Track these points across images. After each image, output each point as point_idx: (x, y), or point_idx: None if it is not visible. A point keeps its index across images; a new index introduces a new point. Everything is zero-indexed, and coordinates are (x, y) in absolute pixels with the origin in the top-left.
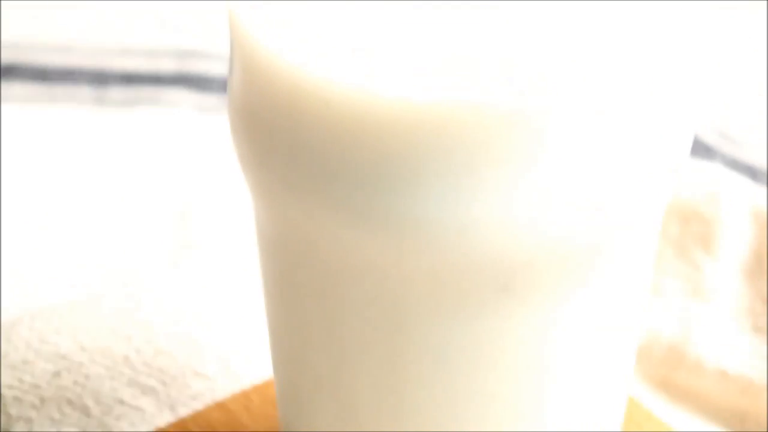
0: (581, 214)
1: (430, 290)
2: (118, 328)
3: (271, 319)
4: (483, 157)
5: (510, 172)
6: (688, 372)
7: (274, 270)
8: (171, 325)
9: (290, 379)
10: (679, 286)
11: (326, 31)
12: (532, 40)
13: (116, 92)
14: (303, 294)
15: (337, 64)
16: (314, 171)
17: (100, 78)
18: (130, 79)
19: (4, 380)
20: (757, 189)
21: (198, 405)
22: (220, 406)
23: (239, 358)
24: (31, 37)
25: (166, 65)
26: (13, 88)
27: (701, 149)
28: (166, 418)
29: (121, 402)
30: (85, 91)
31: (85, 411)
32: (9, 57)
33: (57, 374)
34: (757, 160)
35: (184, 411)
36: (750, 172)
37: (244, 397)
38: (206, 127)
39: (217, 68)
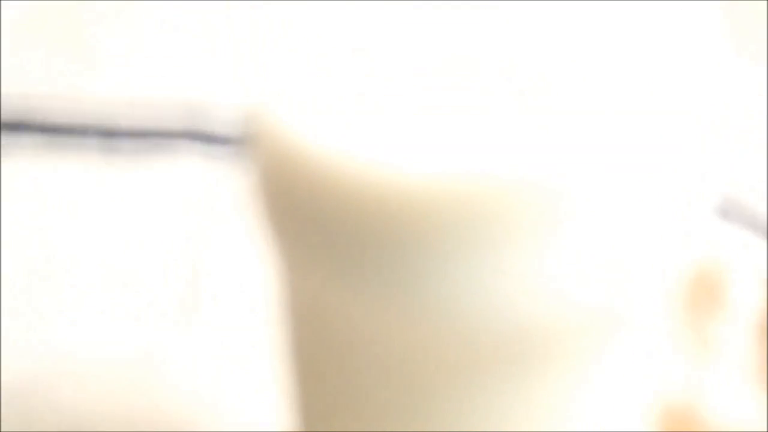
0: (603, 285)
1: (450, 361)
2: (131, 392)
3: (294, 384)
4: (503, 232)
5: (529, 246)
6: None
7: (295, 335)
8: (186, 390)
9: None
10: (687, 347)
11: (342, 104)
12: (548, 108)
13: (125, 145)
14: (323, 361)
15: (352, 138)
16: (332, 245)
17: (108, 131)
18: (139, 132)
19: None
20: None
21: None
22: None
23: (257, 421)
24: (40, 90)
25: (175, 118)
26: (22, 142)
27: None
28: None
29: None
30: (93, 144)
31: None
32: (17, 111)
33: None
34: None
35: None
36: (760, 231)
37: None
38: (215, 181)
39: (226, 121)
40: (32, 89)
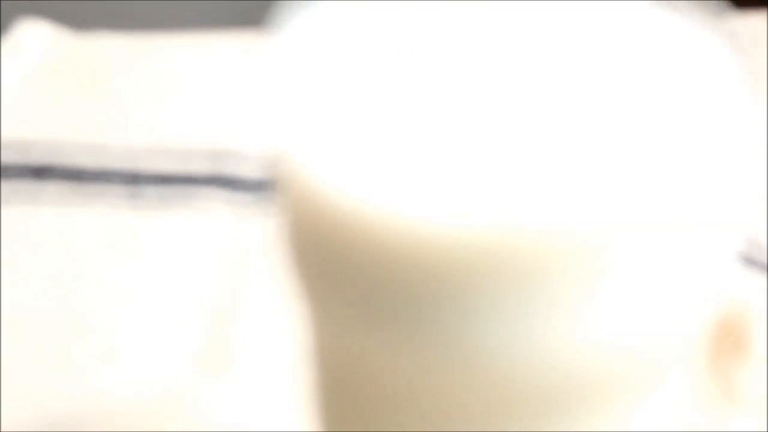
0: (638, 332)
1: (487, 409)
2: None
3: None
4: (535, 283)
5: (571, 296)
6: None
7: (323, 380)
8: None
9: None
10: (713, 394)
11: (371, 151)
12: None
13: (150, 191)
14: (352, 407)
15: (379, 191)
16: (356, 292)
17: (134, 177)
18: (164, 178)
19: None
20: None
21: None
22: None
23: None
24: (66, 136)
25: (200, 164)
26: (48, 188)
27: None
28: None
29: None
30: (118, 190)
31: None
32: (44, 157)
33: None
34: None
35: None
36: None
37: None
38: (240, 227)
39: (250, 168)
40: (58, 135)
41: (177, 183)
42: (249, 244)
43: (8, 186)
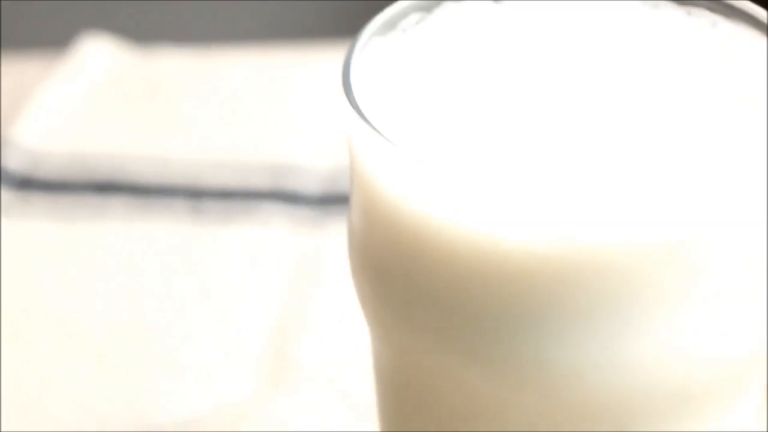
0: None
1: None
2: None
3: None
4: (604, 302)
5: (628, 316)
6: None
7: (390, 399)
8: None
9: None
10: None
11: (449, 174)
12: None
13: (211, 206)
14: (419, 425)
15: (460, 210)
16: (435, 313)
17: (196, 192)
18: (226, 193)
19: None
20: None
21: None
22: None
23: None
24: (129, 151)
25: (260, 180)
26: (113, 203)
27: None
28: None
29: None
30: (181, 205)
31: None
32: (108, 172)
33: None
34: None
35: None
36: None
37: None
38: (300, 243)
39: (310, 182)
40: (122, 150)
41: (238, 197)
42: (309, 258)
43: (73, 201)
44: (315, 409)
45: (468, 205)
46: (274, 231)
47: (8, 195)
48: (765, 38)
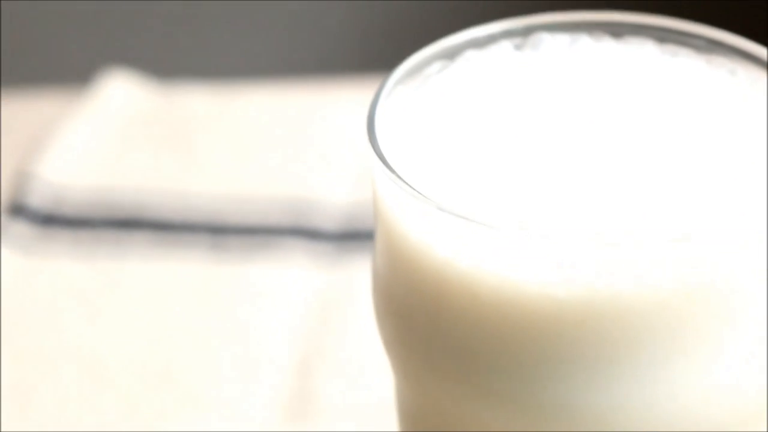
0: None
1: None
2: None
3: None
4: (624, 347)
5: (648, 360)
6: None
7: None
8: None
9: None
10: None
11: (473, 222)
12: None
13: (233, 242)
14: None
15: (484, 257)
16: (458, 357)
17: (217, 228)
18: (246, 229)
19: None
20: None
21: None
22: None
23: None
24: (151, 187)
25: (281, 216)
26: (135, 238)
27: None
28: None
29: None
30: (202, 241)
31: None
32: (131, 208)
33: None
34: None
35: None
36: None
37: None
38: (319, 279)
39: (330, 218)
40: (143, 187)
41: (259, 234)
42: (330, 294)
43: (95, 237)
44: None
45: (490, 252)
46: (294, 267)
47: (32, 231)
48: None
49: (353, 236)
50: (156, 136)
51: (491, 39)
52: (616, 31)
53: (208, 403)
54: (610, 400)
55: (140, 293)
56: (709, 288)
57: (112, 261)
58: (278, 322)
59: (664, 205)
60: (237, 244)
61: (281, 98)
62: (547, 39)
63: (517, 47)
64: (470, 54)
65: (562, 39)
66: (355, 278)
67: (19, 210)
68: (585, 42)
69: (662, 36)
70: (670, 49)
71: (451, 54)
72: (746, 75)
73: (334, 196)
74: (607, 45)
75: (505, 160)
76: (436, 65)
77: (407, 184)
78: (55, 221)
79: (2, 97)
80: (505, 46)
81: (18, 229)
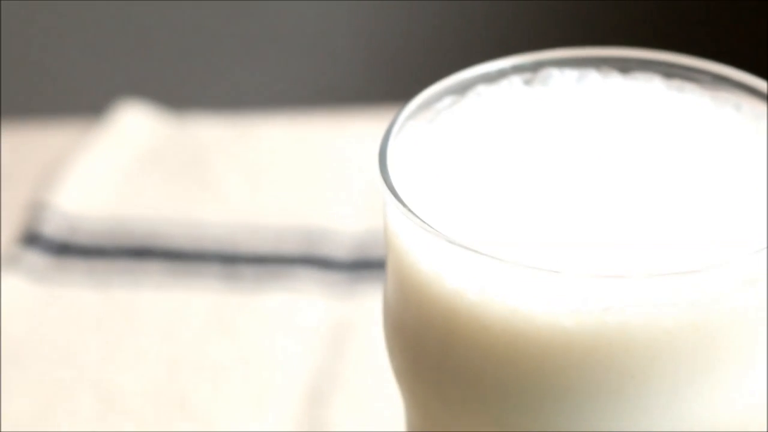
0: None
1: None
2: None
3: None
4: (632, 377)
5: (657, 390)
6: None
7: None
8: None
9: None
10: None
11: (482, 255)
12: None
13: (245, 271)
14: None
15: (494, 289)
16: (468, 387)
17: (229, 259)
18: (259, 258)
19: None
20: None
21: None
22: None
23: None
24: (163, 216)
25: (293, 245)
26: (148, 267)
27: None
28: None
29: None
30: (215, 270)
31: None
32: (144, 237)
33: None
34: None
35: None
36: None
37: None
38: (333, 307)
39: (342, 247)
40: (156, 216)
41: (271, 263)
42: (342, 323)
43: (109, 266)
44: None
45: (500, 284)
46: (306, 296)
47: (46, 261)
48: None
49: (365, 265)
50: (169, 166)
51: (501, 74)
52: (624, 66)
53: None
54: (619, 430)
55: (154, 322)
56: (716, 320)
57: (126, 290)
58: (290, 351)
59: (671, 239)
60: (249, 273)
61: (293, 129)
62: (555, 74)
63: (527, 82)
64: (480, 89)
65: (571, 74)
66: (366, 307)
67: (33, 239)
68: (593, 77)
69: (669, 71)
70: (677, 84)
71: (462, 89)
72: (751, 110)
73: (346, 226)
74: (614, 81)
75: (515, 193)
76: (447, 100)
77: (418, 217)
78: (70, 251)
79: (18, 127)
80: (515, 81)
81: (33, 258)
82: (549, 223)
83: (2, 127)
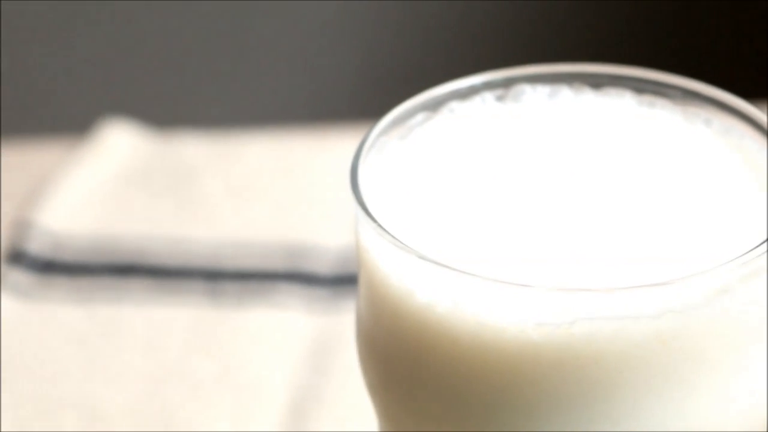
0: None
1: None
2: None
3: None
4: (601, 389)
5: (625, 401)
6: None
7: None
8: None
9: None
10: None
11: (452, 270)
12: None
13: (229, 288)
14: None
15: (462, 302)
16: (440, 400)
17: (213, 275)
18: (242, 274)
19: None
20: None
21: None
22: None
23: None
24: (147, 233)
25: (277, 261)
26: (132, 285)
27: None
28: None
29: None
30: (199, 287)
31: None
32: (128, 254)
33: None
34: None
35: None
36: None
37: None
38: (316, 323)
39: (326, 263)
40: (140, 233)
41: (255, 279)
42: (324, 338)
43: (93, 284)
44: None
45: (469, 298)
46: (290, 312)
47: (31, 278)
48: (758, 134)
49: (348, 281)
50: (154, 183)
51: (473, 90)
52: (595, 82)
53: None
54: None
55: (137, 339)
56: (685, 332)
57: (110, 307)
58: (274, 367)
59: (641, 253)
60: (233, 289)
61: (276, 146)
62: (528, 90)
63: (499, 98)
64: (453, 105)
65: (543, 90)
66: (349, 322)
67: (18, 257)
68: (565, 93)
69: (640, 87)
70: (648, 99)
71: (434, 105)
72: (721, 124)
73: (328, 242)
74: (586, 97)
75: (486, 209)
76: (420, 116)
77: (388, 232)
78: (54, 268)
79: (3, 146)
80: (487, 97)
81: (17, 276)
82: (520, 238)
83: None
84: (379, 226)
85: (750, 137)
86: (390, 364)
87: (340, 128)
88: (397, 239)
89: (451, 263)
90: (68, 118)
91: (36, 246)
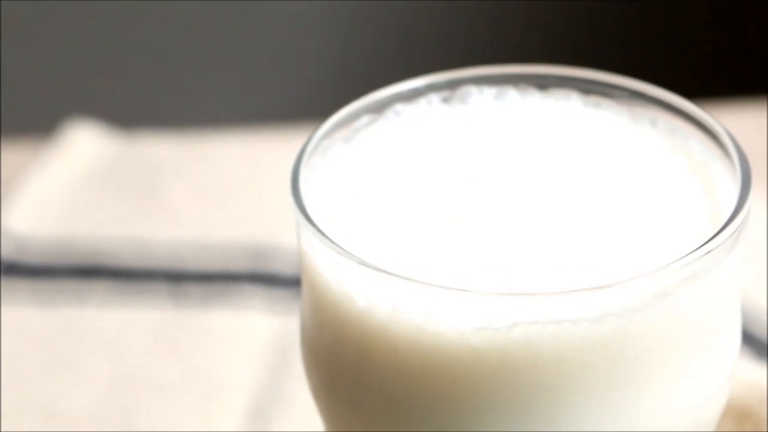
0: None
1: None
2: None
3: None
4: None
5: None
6: None
7: None
8: None
9: None
10: None
11: (391, 275)
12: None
13: (192, 289)
14: None
15: (402, 306)
16: (380, 404)
17: (176, 276)
18: (206, 276)
19: None
20: None
21: None
22: None
23: None
24: (111, 235)
25: (240, 263)
26: (95, 286)
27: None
28: None
29: None
30: (162, 288)
31: None
32: (90, 256)
33: None
34: None
35: None
36: None
37: None
38: (279, 324)
39: (288, 264)
40: (103, 235)
41: (218, 280)
42: (287, 339)
43: (56, 286)
44: None
45: (409, 303)
46: (253, 313)
47: None
48: (703, 135)
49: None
50: (118, 185)
51: (418, 92)
52: (542, 83)
53: None
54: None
55: (100, 341)
56: (625, 335)
57: (72, 309)
58: (236, 369)
59: (584, 256)
60: (196, 291)
61: (240, 147)
62: (474, 92)
63: (445, 100)
64: (398, 107)
65: (489, 92)
66: None
67: None
68: (511, 95)
69: (586, 88)
70: (594, 100)
71: (379, 108)
72: (666, 125)
73: (292, 243)
74: (532, 98)
75: (429, 213)
76: (364, 119)
77: (327, 237)
78: (17, 270)
79: None
80: (433, 99)
81: None
82: (462, 242)
83: None
84: (319, 231)
85: (695, 138)
86: (333, 370)
87: (304, 129)
88: (336, 244)
89: (389, 268)
90: (33, 120)
91: None
